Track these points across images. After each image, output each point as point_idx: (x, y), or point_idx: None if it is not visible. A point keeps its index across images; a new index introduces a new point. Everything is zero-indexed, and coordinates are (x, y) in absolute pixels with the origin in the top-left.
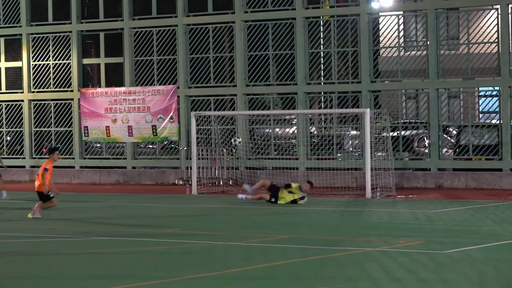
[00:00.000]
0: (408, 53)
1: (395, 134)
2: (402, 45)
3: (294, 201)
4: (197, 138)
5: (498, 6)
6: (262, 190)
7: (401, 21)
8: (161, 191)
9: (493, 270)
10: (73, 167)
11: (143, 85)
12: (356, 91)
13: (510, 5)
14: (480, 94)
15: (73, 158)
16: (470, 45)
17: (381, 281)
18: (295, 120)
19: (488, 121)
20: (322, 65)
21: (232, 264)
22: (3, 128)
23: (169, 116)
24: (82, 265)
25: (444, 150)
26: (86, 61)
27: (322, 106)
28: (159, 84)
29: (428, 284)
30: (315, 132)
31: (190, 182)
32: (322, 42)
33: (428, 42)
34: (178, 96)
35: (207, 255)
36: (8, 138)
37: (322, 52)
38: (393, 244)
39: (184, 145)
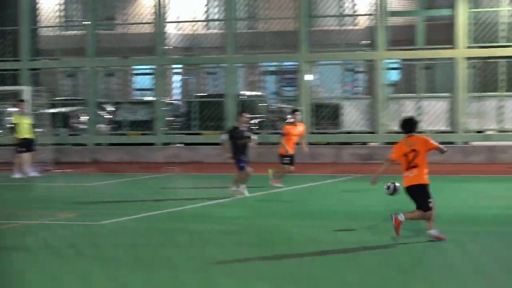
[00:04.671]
0: (68, 32)
1: (55, 110)
2: (63, 24)
3: None
4: None
5: None
6: None
7: (62, 1)
8: None
9: (143, 238)
10: None
11: None
12: (16, 69)
13: None
14: (135, 72)
15: None
16: (127, 26)
17: (39, 253)
18: None
19: (143, 98)
20: None
21: None
22: None
23: None
24: None
25: (102, 125)
26: None
27: None
28: None
29: (83, 254)
30: None
31: None
32: None
33: (87, 22)
34: None
35: None
36: None
37: None
38: (52, 217)
39: None
